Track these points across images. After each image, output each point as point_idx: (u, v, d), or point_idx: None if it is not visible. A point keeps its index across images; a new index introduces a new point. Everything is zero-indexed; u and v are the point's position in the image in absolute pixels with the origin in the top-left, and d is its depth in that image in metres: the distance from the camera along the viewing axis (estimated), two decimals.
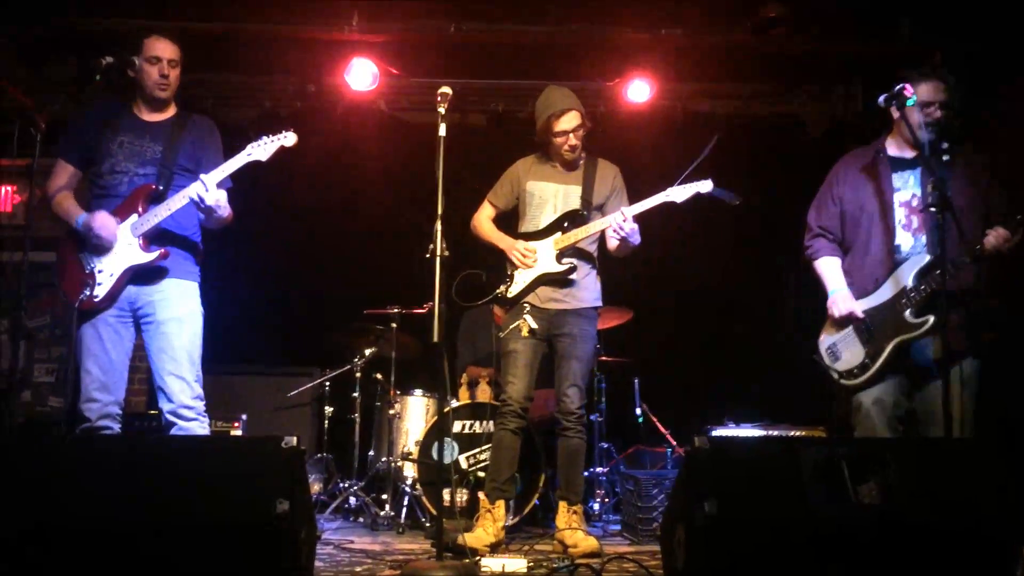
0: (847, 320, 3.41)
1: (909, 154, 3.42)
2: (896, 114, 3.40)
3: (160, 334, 3.34)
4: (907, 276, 3.29)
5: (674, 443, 5.29)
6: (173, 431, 3.31)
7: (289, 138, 3.39)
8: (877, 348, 3.32)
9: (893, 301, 3.31)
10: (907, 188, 3.39)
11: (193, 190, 3.30)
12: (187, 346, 3.36)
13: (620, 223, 3.78)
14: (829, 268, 3.54)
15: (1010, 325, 3.70)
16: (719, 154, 3.76)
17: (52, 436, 3.38)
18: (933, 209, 3.05)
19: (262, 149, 3.36)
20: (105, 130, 3.41)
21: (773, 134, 6.03)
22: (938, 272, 3.14)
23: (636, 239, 3.86)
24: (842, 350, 3.45)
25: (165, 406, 3.33)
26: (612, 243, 3.96)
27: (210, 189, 3.29)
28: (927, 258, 3.26)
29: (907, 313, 3.26)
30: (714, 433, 4.79)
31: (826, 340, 3.52)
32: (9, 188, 6.03)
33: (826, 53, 5.32)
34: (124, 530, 2.26)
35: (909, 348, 3.31)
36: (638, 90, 5.74)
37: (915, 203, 3.36)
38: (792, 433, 4.70)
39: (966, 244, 3.13)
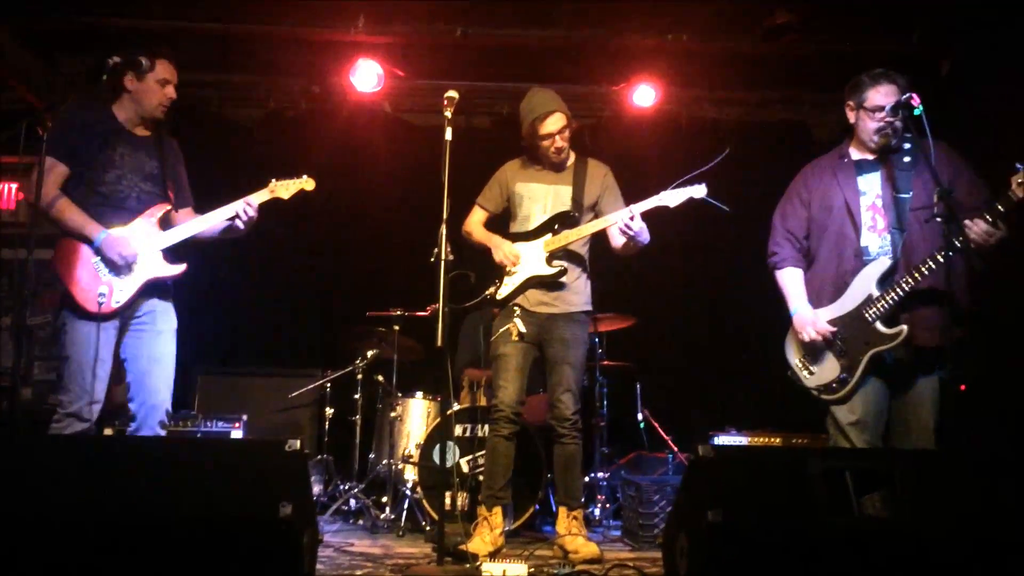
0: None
1: (872, 156, 3.41)
2: (853, 118, 3.40)
3: (158, 343, 3.45)
4: (871, 282, 3.26)
5: (675, 449, 5.28)
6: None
7: (309, 183, 3.69)
8: (852, 361, 3.27)
9: (860, 309, 3.27)
10: (872, 190, 3.37)
11: (240, 209, 3.51)
12: (173, 360, 3.48)
13: (628, 221, 3.70)
14: (792, 282, 3.50)
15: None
16: (724, 159, 3.75)
17: (54, 435, 3.37)
18: (939, 219, 3.02)
19: (284, 188, 3.65)
20: (97, 133, 3.43)
21: (779, 140, 6.01)
22: (904, 277, 3.15)
23: (645, 236, 3.77)
24: (815, 364, 3.39)
25: (152, 414, 3.39)
26: (617, 241, 3.88)
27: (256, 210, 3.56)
28: (888, 263, 3.24)
29: (878, 324, 3.22)
30: (717, 440, 4.78)
31: (795, 354, 3.48)
32: (12, 185, 6.04)
33: (833, 59, 5.29)
34: (126, 532, 2.25)
35: (883, 354, 3.27)
36: (643, 95, 5.75)
37: (880, 203, 3.34)
38: (795, 440, 4.70)
39: (986, 207, 3.03)
